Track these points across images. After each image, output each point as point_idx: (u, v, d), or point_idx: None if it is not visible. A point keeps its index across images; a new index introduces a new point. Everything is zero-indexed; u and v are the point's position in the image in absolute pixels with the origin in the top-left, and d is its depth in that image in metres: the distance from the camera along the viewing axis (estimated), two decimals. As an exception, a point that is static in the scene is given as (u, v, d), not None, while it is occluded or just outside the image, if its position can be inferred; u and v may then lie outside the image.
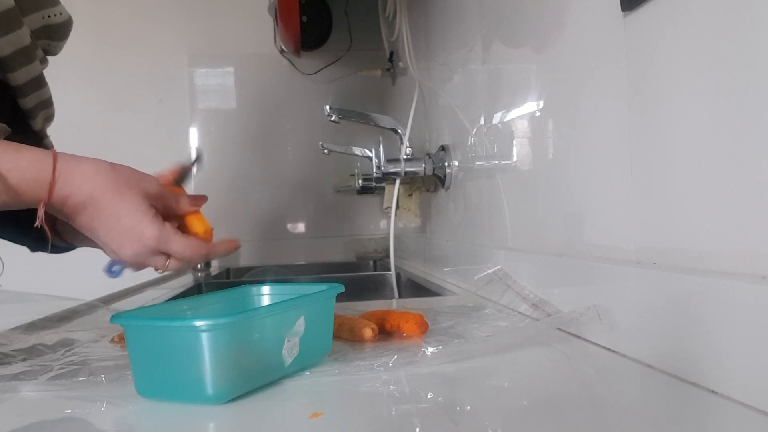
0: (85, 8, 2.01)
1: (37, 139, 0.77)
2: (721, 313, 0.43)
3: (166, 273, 0.68)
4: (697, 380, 0.45)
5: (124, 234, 0.61)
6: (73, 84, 1.97)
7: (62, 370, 0.57)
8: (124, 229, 0.60)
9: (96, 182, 0.59)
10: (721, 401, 0.42)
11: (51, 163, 0.56)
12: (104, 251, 0.63)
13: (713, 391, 0.43)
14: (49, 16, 0.71)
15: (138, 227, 0.61)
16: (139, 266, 0.64)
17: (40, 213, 0.56)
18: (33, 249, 0.77)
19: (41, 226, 0.57)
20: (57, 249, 0.77)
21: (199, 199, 0.68)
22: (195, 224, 0.67)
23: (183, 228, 0.66)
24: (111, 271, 0.67)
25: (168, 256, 0.63)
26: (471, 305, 0.88)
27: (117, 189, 0.60)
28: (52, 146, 0.80)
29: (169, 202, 0.64)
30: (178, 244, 0.63)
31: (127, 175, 0.62)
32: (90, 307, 0.94)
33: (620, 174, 0.58)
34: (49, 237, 0.61)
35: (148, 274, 1.51)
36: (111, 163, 0.62)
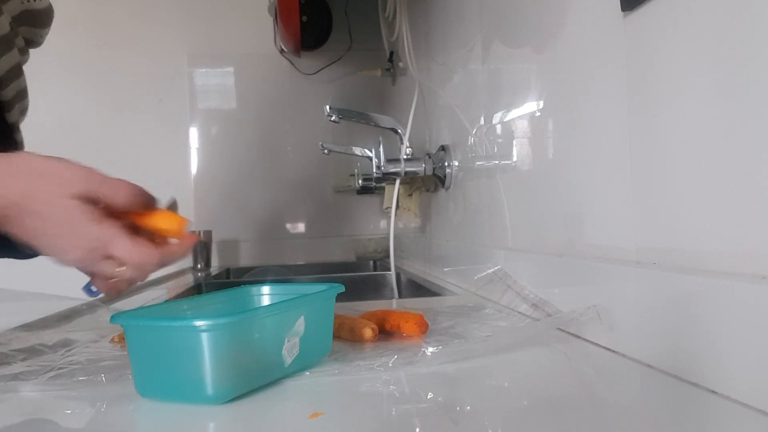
0: (86, 8, 2.01)
1: (8, 131, 0.73)
2: (721, 313, 0.43)
3: (135, 284, 0.59)
4: (697, 380, 0.45)
5: (63, 238, 0.54)
6: (73, 84, 1.97)
7: (62, 370, 0.57)
8: (61, 233, 0.53)
9: (14, 186, 0.52)
10: (721, 401, 0.42)
11: None
12: (50, 253, 0.55)
13: (713, 391, 0.43)
14: (28, 1, 0.69)
15: (74, 229, 0.53)
16: (90, 273, 0.57)
17: None
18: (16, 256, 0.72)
19: None
20: (23, 254, 0.72)
21: (146, 199, 0.57)
22: (161, 220, 0.56)
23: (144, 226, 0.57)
24: (90, 290, 0.59)
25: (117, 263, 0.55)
26: (471, 305, 0.88)
27: (42, 190, 0.53)
28: (22, 141, 0.76)
29: (108, 197, 0.55)
30: (120, 247, 0.54)
31: (53, 171, 0.54)
32: (90, 307, 0.94)
33: (620, 174, 0.58)
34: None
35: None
36: (35, 158, 0.54)
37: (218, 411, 0.46)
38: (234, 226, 2.09)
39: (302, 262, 2.03)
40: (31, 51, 0.75)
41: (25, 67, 0.73)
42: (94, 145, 2.02)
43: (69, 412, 0.48)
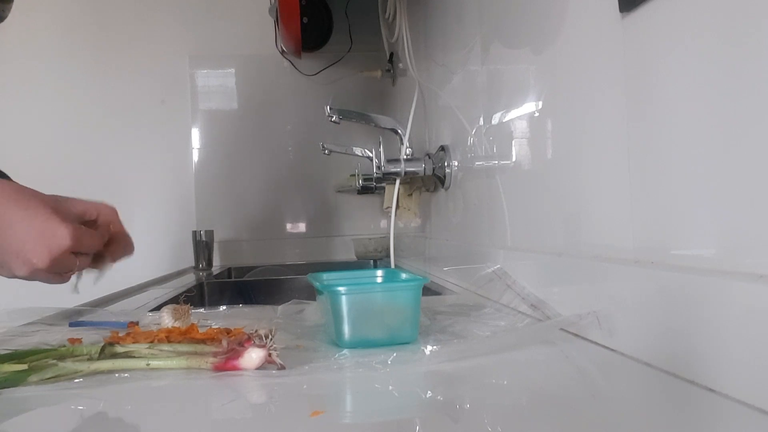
0: (88, 10, 2.01)
1: None
2: (719, 311, 0.43)
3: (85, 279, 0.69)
4: (695, 378, 0.46)
5: (37, 238, 0.59)
6: (76, 85, 1.98)
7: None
8: (35, 232, 0.58)
9: None
10: (719, 399, 0.42)
11: None
12: (10, 265, 0.60)
13: (711, 389, 0.44)
14: None
15: (50, 228, 0.59)
16: (55, 275, 0.63)
17: None
18: None
19: None
20: None
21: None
22: None
23: None
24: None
25: (77, 255, 0.62)
26: (471, 304, 0.88)
27: (16, 197, 0.59)
28: None
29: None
30: (91, 237, 0.63)
31: (27, 188, 0.61)
32: (92, 307, 0.94)
33: (618, 173, 0.58)
34: None
35: (148, 273, 1.50)
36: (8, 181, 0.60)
37: (218, 410, 0.46)
38: (235, 226, 2.09)
39: (303, 262, 2.03)
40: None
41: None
42: (97, 146, 2.03)
43: (70, 409, 0.48)
